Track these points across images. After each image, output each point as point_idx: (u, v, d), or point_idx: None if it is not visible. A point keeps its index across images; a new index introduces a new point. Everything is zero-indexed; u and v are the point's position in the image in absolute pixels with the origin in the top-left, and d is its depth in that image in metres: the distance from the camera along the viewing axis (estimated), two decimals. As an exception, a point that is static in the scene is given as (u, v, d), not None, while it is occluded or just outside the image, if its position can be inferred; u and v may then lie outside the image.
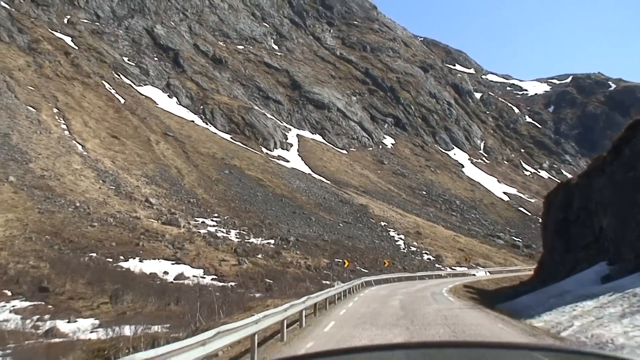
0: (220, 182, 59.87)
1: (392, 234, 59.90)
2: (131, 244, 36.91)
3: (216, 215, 50.57)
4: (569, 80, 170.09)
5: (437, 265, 53.29)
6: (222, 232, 45.91)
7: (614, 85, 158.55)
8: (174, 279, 32.34)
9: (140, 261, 34.13)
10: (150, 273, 32.35)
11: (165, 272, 33.07)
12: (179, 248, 37.72)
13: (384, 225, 61.96)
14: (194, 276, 33.36)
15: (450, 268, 53.03)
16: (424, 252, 56.53)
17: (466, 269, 53.77)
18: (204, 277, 33.49)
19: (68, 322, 21.22)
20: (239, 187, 59.87)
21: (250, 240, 44.68)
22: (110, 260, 33.16)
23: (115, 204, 45.45)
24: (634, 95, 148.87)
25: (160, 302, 24.92)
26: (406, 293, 28.00)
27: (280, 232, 49.37)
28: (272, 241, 45.87)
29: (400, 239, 58.90)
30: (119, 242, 36.46)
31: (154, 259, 35.12)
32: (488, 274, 51.29)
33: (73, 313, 22.84)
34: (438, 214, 77.44)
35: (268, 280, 34.08)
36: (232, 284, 32.53)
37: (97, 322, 21.26)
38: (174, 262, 35.28)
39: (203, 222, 47.59)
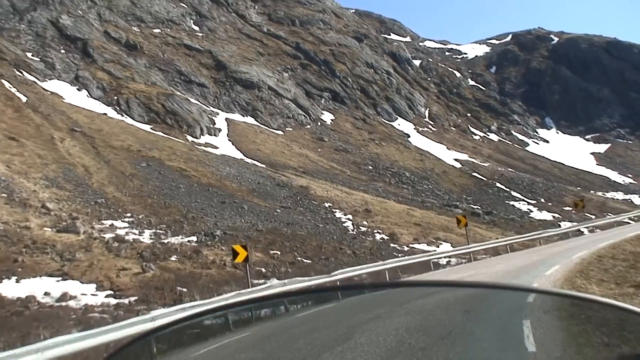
0: (136, 177, 52.19)
1: (338, 215, 53.18)
2: (8, 260, 29.22)
3: (129, 215, 42.96)
4: (508, 38, 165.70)
5: (392, 244, 46.47)
6: (134, 233, 38.45)
7: (556, 39, 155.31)
8: (56, 301, 24.96)
9: (17, 282, 26.66)
10: (27, 296, 24.90)
11: (46, 294, 25.49)
12: (68, 259, 30.05)
13: (329, 206, 55.27)
14: (82, 294, 25.89)
15: (407, 246, 46.28)
16: (375, 231, 49.84)
17: (426, 245, 47.19)
18: (96, 294, 26.04)
19: None
20: (158, 180, 52.32)
21: (166, 241, 37.26)
22: (-23, 284, 25.68)
23: (3, 215, 37.65)
24: (578, 46, 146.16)
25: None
26: None
27: (206, 226, 42.09)
28: (195, 238, 38.61)
29: (348, 219, 52.17)
30: (-9, 261, 28.82)
31: (35, 276, 27.59)
32: (451, 248, 44.12)
33: None
34: (388, 189, 71.29)
35: (180, 289, 26.99)
36: (132, 299, 25.28)
37: None
38: (60, 278, 27.74)
39: (112, 224, 39.97)
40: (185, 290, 26.60)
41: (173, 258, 32.66)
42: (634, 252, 23.78)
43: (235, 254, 24.53)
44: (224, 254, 34.63)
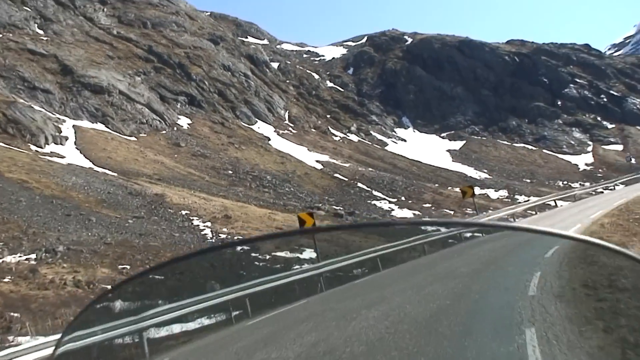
0: (-30, 192, 47.75)
1: (196, 222, 50.60)
2: None
3: (-39, 233, 38.91)
4: (364, 40, 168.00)
5: (253, 254, 44.35)
6: (-35, 254, 34.63)
7: (410, 39, 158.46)
8: None
9: None
10: None
11: None
12: None
13: (186, 214, 52.57)
14: None
15: (268, 255, 44.33)
16: (236, 237, 47.75)
17: (289, 252, 45.49)
18: None
19: None
20: (-4, 194, 48.06)
21: (0, 260, 33.71)
22: None
23: None
24: (431, 46, 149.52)
25: None
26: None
27: (47, 241, 38.47)
28: (34, 255, 35.10)
29: (207, 227, 49.73)
30: None
31: None
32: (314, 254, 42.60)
33: None
34: (248, 193, 69.24)
35: (12, 314, 23.90)
36: (-48, 330, 22.13)
37: None
38: None
39: (-61, 246, 35.94)
40: (17, 315, 23.55)
41: (6, 279, 29.21)
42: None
43: None
44: (65, 272, 31.46)
